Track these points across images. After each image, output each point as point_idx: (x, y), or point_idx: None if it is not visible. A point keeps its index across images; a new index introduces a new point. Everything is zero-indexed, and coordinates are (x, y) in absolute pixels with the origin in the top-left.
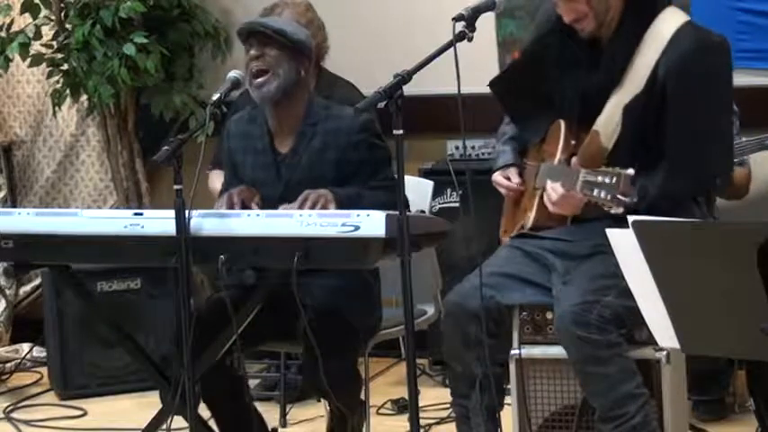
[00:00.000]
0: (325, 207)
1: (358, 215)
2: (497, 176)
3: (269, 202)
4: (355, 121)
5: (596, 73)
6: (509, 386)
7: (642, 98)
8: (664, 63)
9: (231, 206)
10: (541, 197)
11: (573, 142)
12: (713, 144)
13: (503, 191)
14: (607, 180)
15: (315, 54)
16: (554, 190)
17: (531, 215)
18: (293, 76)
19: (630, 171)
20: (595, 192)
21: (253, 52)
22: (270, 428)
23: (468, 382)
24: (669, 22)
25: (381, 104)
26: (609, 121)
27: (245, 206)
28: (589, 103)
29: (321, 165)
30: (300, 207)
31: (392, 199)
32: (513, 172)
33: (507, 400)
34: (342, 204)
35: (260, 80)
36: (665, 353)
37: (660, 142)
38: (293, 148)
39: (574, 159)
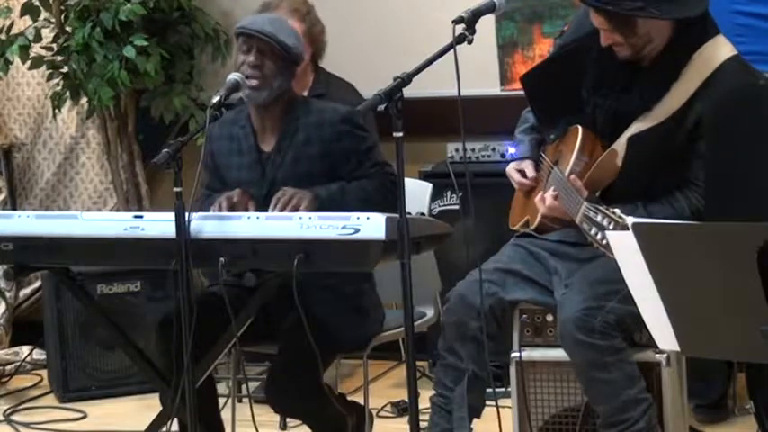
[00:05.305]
0: (297, 206)
1: (358, 218)
2: (511, 169)
3: (255, 202)
4: (336, 113)
5: (631, 96)
6: (509, 388)
7: (666, 125)
8: (702, 97)
9: (232, 208)
10: None
11: (587, 157)
12: (742, 200)
13: (515, 184)
14: (605, 223)
15: (312, 47)
16: (548, 199)
17: (538, 217)
18: (285, 85)
19: (631, 220)
20: (592, 230)
21: (251, 59)
22: None
23: (455, 375)
24: (715, 54)
25: (381, 107)
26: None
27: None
28: (618, 123)
29: (306, 160)
30: (273, 209)
31: (380, 186)
32: (528, 166)
33: (507, 402)
34: (323, 202)
35: (254, 83)
36: (665, 355)
37: (678, 171)
38: (277, 145)
39: (574, 177)
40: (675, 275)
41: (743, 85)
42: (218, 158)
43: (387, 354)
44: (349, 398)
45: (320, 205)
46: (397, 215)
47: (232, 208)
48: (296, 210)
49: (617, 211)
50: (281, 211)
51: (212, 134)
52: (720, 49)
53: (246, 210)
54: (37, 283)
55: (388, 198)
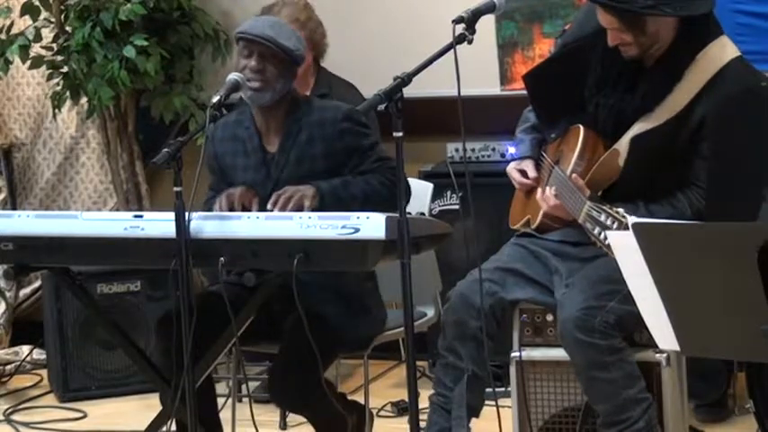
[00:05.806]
0: (300, 203)
1: (358, 217)
2: (511, 169)
3: (261, 203)
4: (338, 111)
5: (634, 96)
6: (509, 388)
7: (668, 126)
8: (706, 98)
9: (231, 207)
10: None
11: (588, 157)
12: (742, 200)
13: (515, 184)
14: (608, 222)
15: (313, 52)
16: (551, 198)
17: (539, 216)
18: (287, 86)
19: (632, 220)
20: (596, 230)
21: (253, 64)
22: None
23: (455, 375)
24: (719, 55)
25: (381, 107)
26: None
27: (244, 209)
28: (620, 123)
29: (309, 159)
30: (273, 207)
31: (383, 181)
32: (529, 166)
33: (507, 402)
34: (325, 195)
35: (256, 85)
36: (665, 355)
37: (680, 171)
38: (281, 145)
39: (575, 176)
40: (675, 275)
41: (745, 87)
42: (222, 160)
43: (387, 354)
44: (349, 398)
45: (322, 198)
46: (397, 215)
47: (231, 206)
48: (299, 209)
49: (620, 210)
50: (282, 210)
51: (215, 135)
52: (724, 50)
53: (251, 205)
54: (37, 283)
55: (391, 193)
